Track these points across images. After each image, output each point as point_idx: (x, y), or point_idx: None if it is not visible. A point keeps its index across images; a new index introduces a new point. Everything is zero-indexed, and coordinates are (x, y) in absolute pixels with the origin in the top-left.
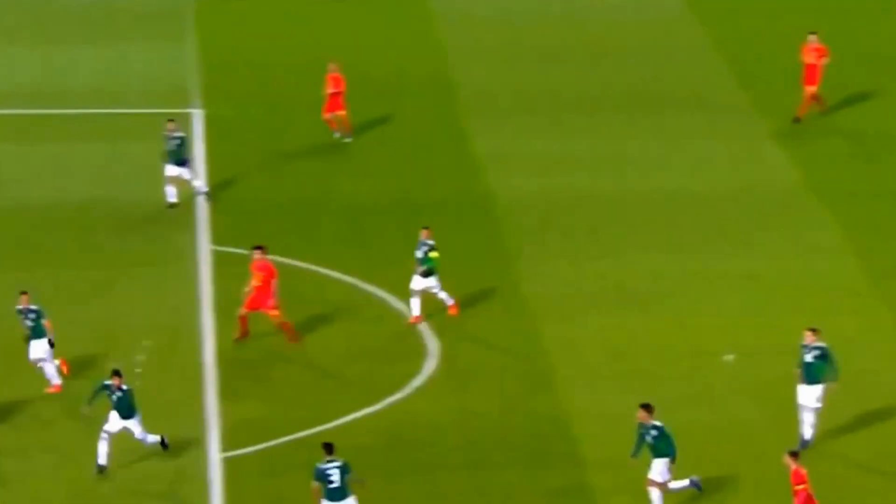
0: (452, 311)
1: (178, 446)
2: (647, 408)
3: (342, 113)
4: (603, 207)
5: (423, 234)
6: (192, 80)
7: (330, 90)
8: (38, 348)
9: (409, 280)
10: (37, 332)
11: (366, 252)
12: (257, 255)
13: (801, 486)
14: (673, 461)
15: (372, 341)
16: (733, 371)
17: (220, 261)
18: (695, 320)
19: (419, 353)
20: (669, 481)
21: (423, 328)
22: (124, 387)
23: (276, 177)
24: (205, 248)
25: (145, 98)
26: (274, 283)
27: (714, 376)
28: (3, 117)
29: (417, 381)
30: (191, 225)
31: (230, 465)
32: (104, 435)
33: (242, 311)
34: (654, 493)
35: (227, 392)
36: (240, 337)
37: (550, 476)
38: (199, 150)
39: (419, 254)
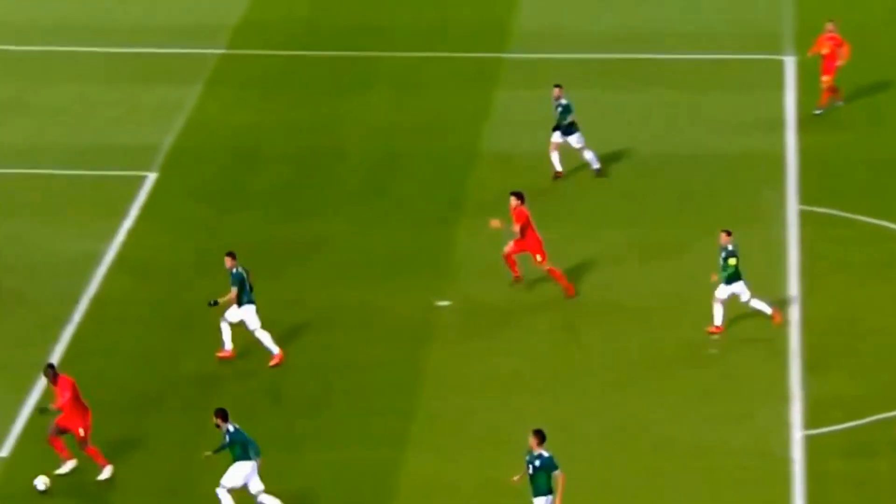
0: (777, 320)
1: (760, 421)
2: None
3: (827, 78)
4: None
5: (723, 239)
6: (787, 25)
7: (824, 51)
8: (233, 312)
9: None
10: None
11: None
12: (514, 201)
13: None
14: None
15: None
16: None
17: (807, 221)
18: None
19: None
20: None
21: None
22: (230, 428)
23: (873, 134)
24: (793, 208)
25: (734, 42)
26: (529, 230)
27: None
28: (585, 61)
29: None
30: (778, 183)
31: (813, 444)
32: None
33: (508, 252)
34: None
35: (814, 364)
36: (516, 279)
37: None
38: (789, 100)
39: (721, 260)
